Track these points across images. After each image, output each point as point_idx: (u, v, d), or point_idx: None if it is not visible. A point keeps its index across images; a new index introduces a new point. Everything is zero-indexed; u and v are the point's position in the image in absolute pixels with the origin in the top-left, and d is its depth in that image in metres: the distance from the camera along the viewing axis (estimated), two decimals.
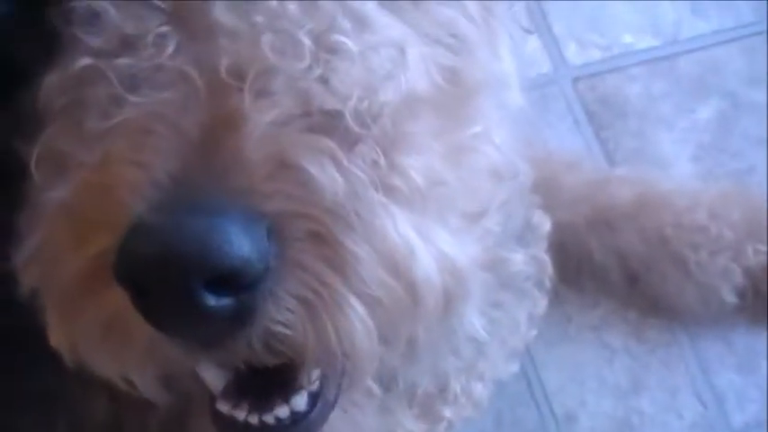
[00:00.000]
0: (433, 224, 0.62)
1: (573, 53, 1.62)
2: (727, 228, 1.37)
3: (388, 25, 0.66)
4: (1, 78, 0.79)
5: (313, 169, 0.56)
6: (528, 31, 0.86)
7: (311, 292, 0.57)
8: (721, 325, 1.41)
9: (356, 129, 0.59)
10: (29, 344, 0.86)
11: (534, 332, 1.09)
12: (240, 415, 0.65)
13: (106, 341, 0.61)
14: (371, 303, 0.59)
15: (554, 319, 1.36)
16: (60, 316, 0.63)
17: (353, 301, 0.58)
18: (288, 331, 0.58)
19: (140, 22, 0.62)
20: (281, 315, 0.57)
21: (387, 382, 0.74)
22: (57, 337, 0.65)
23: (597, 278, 1.42)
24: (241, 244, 0.54)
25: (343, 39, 0.62)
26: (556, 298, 1.13)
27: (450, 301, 0.63)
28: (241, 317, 0.56)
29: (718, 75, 1.58)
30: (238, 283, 0.54)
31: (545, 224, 1.06)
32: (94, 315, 0.61)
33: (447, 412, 0.97)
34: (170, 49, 0.60)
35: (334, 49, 0.61)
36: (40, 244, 0.62)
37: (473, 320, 0.70)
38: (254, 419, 0.65)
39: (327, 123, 0.58)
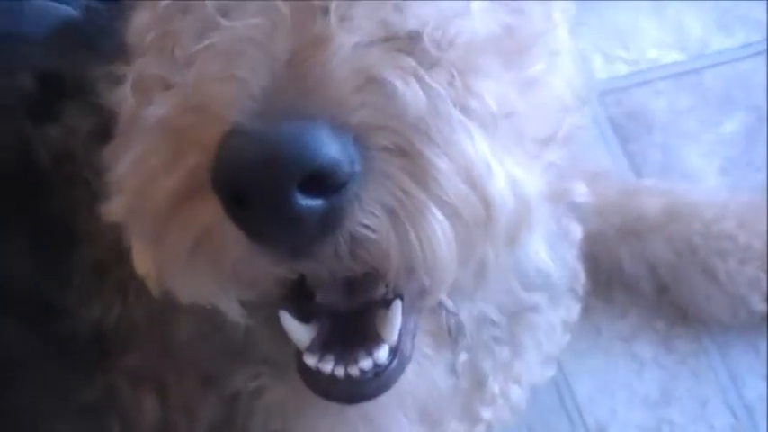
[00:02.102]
0: (505, 149, 0.64)
1: (599, 68, 1.64)
2: (756, 237, 1.37)
3: None
4: None
5: (397, 84, 0.59)
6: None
7: (395, 199, 0.60)
8: (750, 334, 1.41)
9: (433, 51, 0.62)
10: (81, 355, 0.89)
11: (568, 338, 1.10)
12: (326, 368, 0.68)
13: (196, 258, 0.64)
14: (451, 214, 0.61)
15: (584, 329, 1.36)
16: (151, 235, 0.65)
17: (435, 210, 0.60)
18: (373, 236, 0.60)
19: None
20: (366, 219, 0.60)
21: (453, 329, 0.76)
22: (143, 262, 0.68)
23: (627, 288, 1.43)
24: (331, 146, 0.57)
25: None
26: (586, 308, 1.13)
27: (517, 226, 0.66)
28: (330, 219, 0.59)
29: (744, 89, 1.59)
30: (328, 184, 0.57)
31: (577, 231, 1.08)
32: (186, 230, 0.63)
33: (486, 413, 0.98)
34: None
35: None
36: (136, 159, 0.64)
37: (539, 250, 0.72)
38: (339, 372, 0.68)
39: (407, 45, 0.61)
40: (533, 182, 0.66)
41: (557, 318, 1.05)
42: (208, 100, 0.61)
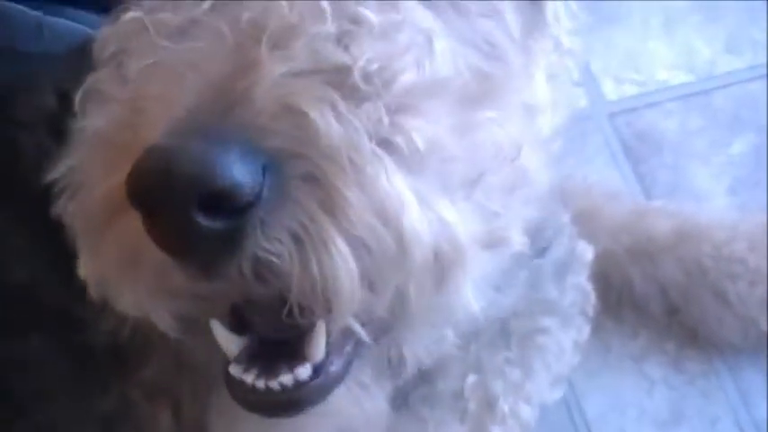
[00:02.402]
0: (432, 189, 0.64)
1: (610, 89, 1.65)
2: (766, 259, 1.38)
3: (418, 14, 0.70)
4: None
5: (312, 114, 0.60)
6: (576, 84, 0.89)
7: (300, 226, 0.61)
8: (760, 355, 1.41)
9: (363, 87, 0.63)
10: (98, 365, 0.89)
11: (578, 358, 1.10)
12: (249, 379, 0.69)
13: (124, 268, 0.66)
14: (357, 245, 0.62)
15: (594, 348, 1.37)
16: (86, 243, 0.68)
17: (339, 240, 0.61)
18: (276, 260, 0.61)
19: None
20: (269, 244, 0.60)
21: (394, 361, 0.77)
22: (84, 267, 0.70)
23: (637, 308, 1.43)
24: (234, 168, 0.58)
25: (365, 11, 0.67)
26: (596, 327, 1.14)
27: (444, 267, 0.66)
28: (232, 239, 0.60)
29: (753, 109, 1.60)
30: (229, 205, 0.58)
31: (588, 253, 1.09)
32: (115, 241, 0.65)
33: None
34: (206, 5, 0.66)
35: (354, 18, 0.66)
36: (72, 168, 0.68)
37: (470, 297, 0.71)
38: (260, 384, 0.69)
39: (336, 78, 0.63)
40: (464, 225, 0.67)
41: (567, 339, 1.05)
42: (139, 117, 0.63)
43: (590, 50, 1.63)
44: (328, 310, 0.64)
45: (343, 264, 0.61)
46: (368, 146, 0.61)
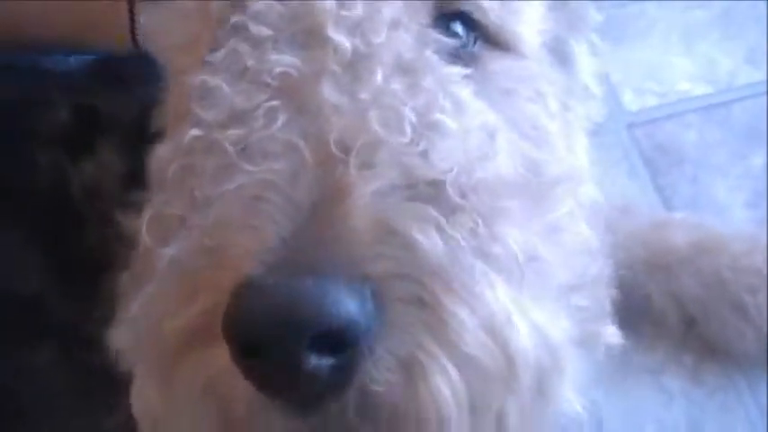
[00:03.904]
0: (530, 296, 0.63)
1: (629, 100, 1.64)
2: None
3: (481, 110, 0.69)
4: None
5: (417, 235, 0.58)
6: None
7: (409, 354, 0.58)
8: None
9: (456, 199, 0.61)
10: (104, 382, 0.90)
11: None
12: None
13: (202, 405, 0.62)
14: (467, 368, 0.59)
15: (612, 361, 1.36)
16: (156, 376, 0.64)
17: (450, 366, 0.58)
18: (383, 390, 0.58)
19: (250, 97, 0.66)
20: (378, 374, 0.58)
21: None
22: (143, 400, 0.67)
23: (655, 321, 1.42)
24: (347, 305, 0.55)
25: (443, 117, 0.65)
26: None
27: (546, 376, 0.63)
28: (340, 376, 0.57)
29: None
30: (341, 342, 0.56)
31: (607, 268, 1.08)
32: (194, 375, 0.62)
33: None
34: (279, 122, 0.64)
35: (434, 127, 0.65)
36: (148, 299, 0.64)
37: (571, 398, 0.68)
38: None
39: (429, 193, 0.61)
40: (560, 329, 0.65)
41: None
42: (225, 246, 0.60)
43: (610, 62, 1.63)
44: None
45: (454, 391, 0.59)
46: (476, 263, 0.60)
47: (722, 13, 1.70)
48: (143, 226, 0.67)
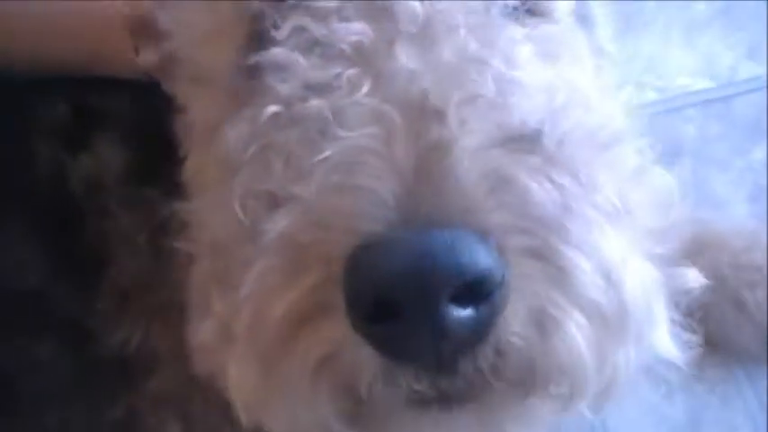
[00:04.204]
0: (629, 244, 0.62)
1: (629, 94, 1.63)
2: None
3: (544, 69, 0.69)
4: None
5: (531, 184, 0.58)
6: None
7: (536, 306, 0.58)
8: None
9: (554, 149, 0.61)
10: (106, 374, 0.91)
11: None
12: None
13: (318, 382, 0.61)
14: (592, 317, 0.59)
15: None
16: (264, 358, 0.62)
17: (577, 314, 0.58)
18: (517, 345, 0.57)
19: (327, 68, 0.66)
20: (512, 327, 0.57)
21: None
22: (243, 388, 0.65)
23: None
24: (482, 255, 0.54)
25: (522, 73, 0.65)
26: None
27: (644, 322, 0.63)
28: (479, 330, 0.56)
29: None
30: (479, 293, 0.55)
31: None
32: (307, 353, 0.60)
33: None
34: (365, 88, 0.63)
35: (517, 82, 0.64)
36: (257, 277, 0.61)
37: (665, 341, 0.67)
38: None
39: (528, 145, 0.60)
40: (654, 275, 0.64)
41: None
42: (333, 212, 0.58)
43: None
44: (570, 394, 0.62)
45: (584, 339, 0.59)
46: (588, 211, 0.59)
47: (723, 8, 1.70)
48: (236, 208, 0.65)
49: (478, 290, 0.55)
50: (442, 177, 0.57)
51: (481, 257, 0.54)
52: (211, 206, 0.72)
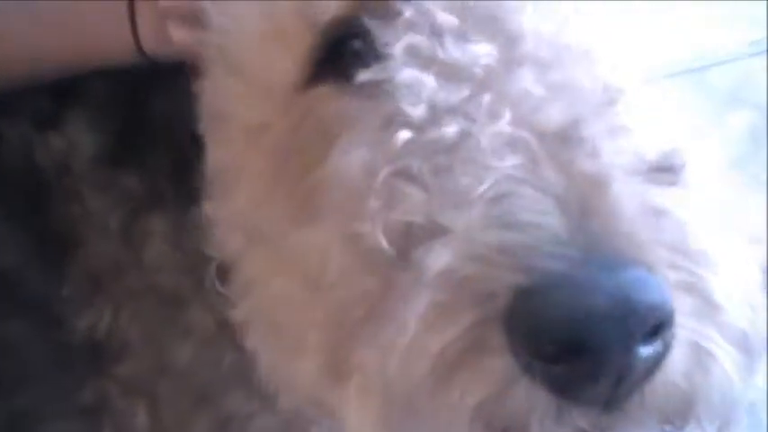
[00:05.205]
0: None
1: None
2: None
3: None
4: None
5: (683, 216, 0.57)
6: None
7: (694, 340, 0.56)
8: None
9: (680, 175, 0.60)
10: (75, 358, 0.90)
11: None
12: None
13: (473, 428, 0.57)
14: (742, 349, 0.58)
15: None
16: (409, 404, 0.58)
17: (730, 347, 0.57)
18: (681, 380, 0.56)
19: (456, 91, 0.63)
20: (677, 364, 0.56)
21: None
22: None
23: None
24: (666, 293, 0.54)
25: (623, 90, 0.64)
26: None
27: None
28: (655, 366, 0.55)
29: (749, 87, 1.59)
30: (659, 331, 0.54)
31: None
32: (465, 396, 0.56)
33: None
34: (507, 115, 0.60)
35: (618, 100, 0.63)
36: (423, 312, 0.57)
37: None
38: None
39: (669, 176, 0.59)
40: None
41: None
42: (500, 248, 0.55)
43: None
44: (720, 428, 0.60)
45: (738, 373, 0.57)
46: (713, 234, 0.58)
47: None
48: (380, 240, 0.60)
49: (659, 327, 0.54)
50: (608, 214, 0.55)
51: (666, 296, 0.53)
52: (292, 215, 0.70)
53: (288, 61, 0.74)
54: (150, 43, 0.87)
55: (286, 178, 0.72)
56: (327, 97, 0.72)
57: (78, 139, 0.92)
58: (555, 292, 0.53)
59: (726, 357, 0.57)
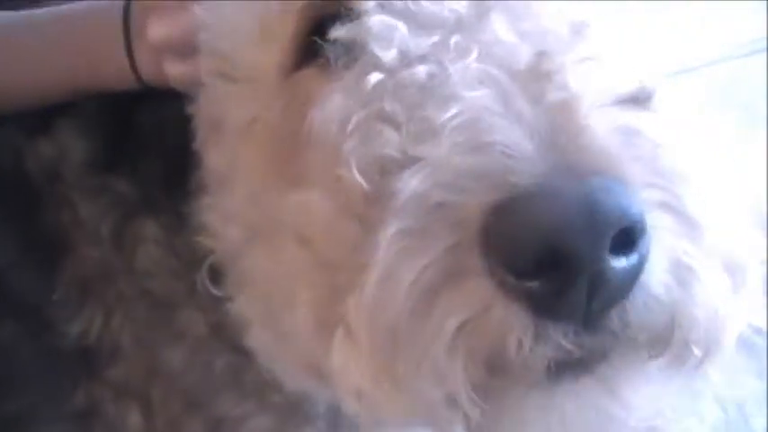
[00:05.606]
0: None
1: None
2: None
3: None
4: None
5: (657, 135, 0.57)
6: None
7: (674, 257, 0.56)
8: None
9: (647, 102, 0.60)
10: (67, 363, 0.91)
11: None
12: None
13: (455, 350, 0.57)
14: (725, 268, 0.58)
15: None
16: (391, 335, 0.58)
17: (713, 265, 0.57)
18: (662, 296, 0.56)
19: (427, 36, 0.65)
20: (656, 278, 0.56)
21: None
22: (358, 375, 0.61)
23: None
24: (635, 200, 0.54)
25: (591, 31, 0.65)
26: None
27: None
28: (630, 280, 0.55)
29: (742, 87, 1.59)
30: (631, 241, 0.53)
31: None
32: (445, 319, 0.56)
33: None
34: (473, 54, 0.62)
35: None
36: (393, 239, 0.57)
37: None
38: None
39: (640, 105, 0.59)
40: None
41: None
42: (468, 170, 0.56)
43: None
44: (707, 349, 0.59)
45: (724, 294, 0.58)
46: (689, 159, 0.59)
47: None
48: (354, 174, 0.62)
49: (631, 237, 0.53)
50: (577, 132, 0.56)
51: (635, 203, 0.53)
52: (283, 187, 0.71)
53: (275, 55, 0.75)
54: (149, 76, 0.89)
55: (278, 163, 0.73)
56: (311, 78, 0.73)
57: (69, 145, 0.92)
58: (524, 205, 0.53)
59: (707, 275, 0.57)
